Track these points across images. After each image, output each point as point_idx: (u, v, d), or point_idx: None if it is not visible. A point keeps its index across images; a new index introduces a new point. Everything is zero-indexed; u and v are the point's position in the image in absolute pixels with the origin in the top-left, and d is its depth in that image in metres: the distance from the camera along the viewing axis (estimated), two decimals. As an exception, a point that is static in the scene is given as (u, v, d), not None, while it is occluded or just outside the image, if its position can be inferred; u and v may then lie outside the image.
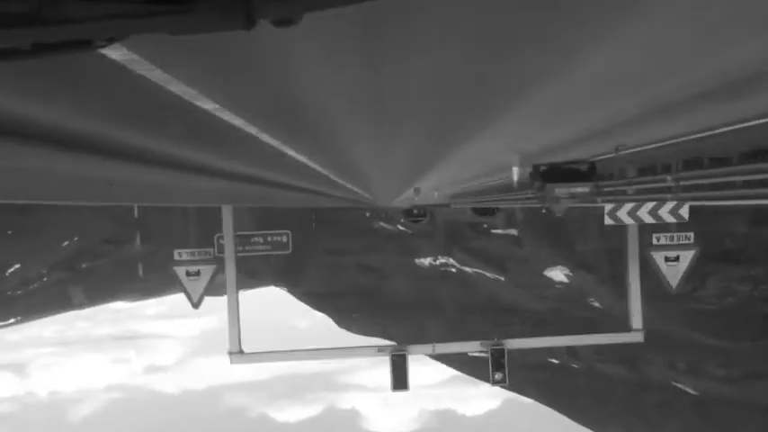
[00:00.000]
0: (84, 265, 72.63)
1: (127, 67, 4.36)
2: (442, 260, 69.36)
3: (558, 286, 55.57)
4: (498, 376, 20.90)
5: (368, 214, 68.41)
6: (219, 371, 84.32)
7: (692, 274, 19.61)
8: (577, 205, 17.64)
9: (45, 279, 73.15)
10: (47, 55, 1.52)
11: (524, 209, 45.14)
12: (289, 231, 23.80)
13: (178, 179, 10.64)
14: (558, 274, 55.10)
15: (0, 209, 49.21)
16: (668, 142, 11.70)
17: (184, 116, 6.27)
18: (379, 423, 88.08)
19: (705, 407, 44.73)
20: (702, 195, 14.16)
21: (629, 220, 15.99)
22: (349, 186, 26.68)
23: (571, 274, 53.29)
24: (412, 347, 22.02)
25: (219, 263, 21.76)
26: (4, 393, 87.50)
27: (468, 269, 66.53)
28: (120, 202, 15.24)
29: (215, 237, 22.05)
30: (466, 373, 68.01)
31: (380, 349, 22.46)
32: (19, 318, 77.46)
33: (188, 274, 21.09)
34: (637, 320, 21.13)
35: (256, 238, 23.61)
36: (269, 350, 23.88)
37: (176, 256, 21.18)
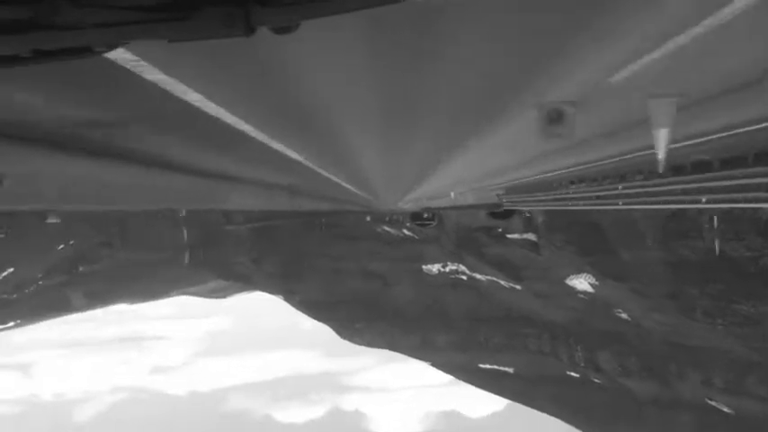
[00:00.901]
0: (81, 269, 74.86)
1: (129, 69, 4.59)
2: (451, 267, 66.51)
3: (581, 296, 52.02)
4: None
5: (368, 218, 65.61)
6: (224, 372, 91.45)
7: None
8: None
9: (40, 283, 75.45)
10: (47, 61, 1.56)
11: (546, 211, 42.10)
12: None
13: (180, 182, 10.76)
14: (581, 282, 51.41)
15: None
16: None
17: (193, 121, 6.64)
18: (384, 424, 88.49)
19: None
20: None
21: None
22: (350, 188, 26.05)
23: (597, 283, 49.73)
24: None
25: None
26: (10, 395, 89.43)
27: (480, 276, 63.45)
28: (120, 206, 15.52)
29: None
30: (475, 386, 66.00)
31: None
32: (18, 321, 78.94)
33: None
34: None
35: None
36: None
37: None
